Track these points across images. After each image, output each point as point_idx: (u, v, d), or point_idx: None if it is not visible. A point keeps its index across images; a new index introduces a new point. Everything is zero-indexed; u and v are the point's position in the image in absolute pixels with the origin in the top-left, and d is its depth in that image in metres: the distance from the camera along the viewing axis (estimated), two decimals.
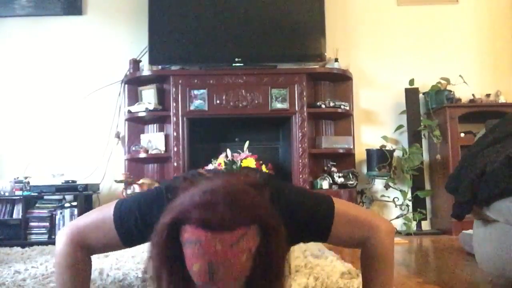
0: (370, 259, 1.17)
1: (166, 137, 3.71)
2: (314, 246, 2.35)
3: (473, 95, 3.89)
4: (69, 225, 1.20)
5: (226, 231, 0.86)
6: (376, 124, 4.05)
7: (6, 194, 3.52)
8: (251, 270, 0.92)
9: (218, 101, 3.63)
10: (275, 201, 1.04)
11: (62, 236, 1.17)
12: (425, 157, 3.91)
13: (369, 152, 3.80)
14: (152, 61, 3.80)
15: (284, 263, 0.98)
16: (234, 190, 0.93)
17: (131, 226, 1.12)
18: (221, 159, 3.52)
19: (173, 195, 1.02)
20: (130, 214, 1.14)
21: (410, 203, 3.77)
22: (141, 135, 3.83)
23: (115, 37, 4.07)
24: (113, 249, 1.25)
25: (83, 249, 1.17)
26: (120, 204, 1.19)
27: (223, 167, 3.45)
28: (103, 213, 1.19)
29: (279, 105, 3.67)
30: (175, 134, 3.62)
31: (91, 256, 1.22)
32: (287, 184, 1.29)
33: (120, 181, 3.56)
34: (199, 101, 3.64)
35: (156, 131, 3.82)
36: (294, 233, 1.04)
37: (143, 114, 3.69)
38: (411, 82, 3.91)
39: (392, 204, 3.80)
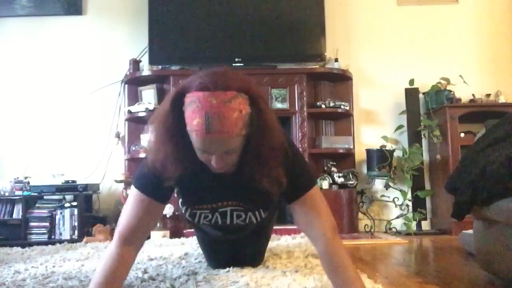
0: (329, 259, 1.25)
1: None
2: (314, 247, 2.35)
3: (473, 95, 3.88)
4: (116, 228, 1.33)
5: (220, 91, 1.05)
6: (376, 124, 4.05)
7: (6, 194, 3.52)
8: (246, 136, 1.10)
9: None
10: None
11: (113, 238, 1.30)
12: (425, 157, 3.91)
13: (369, 152, 3.80)
14: (152, 61, 3.80)
15: (278, 136, 1.15)
16: (229, 70, 1.13)
17: (153, 181, 1.23)
18: None
19: None
20: (145, 173, 1.26)
21: (410, 203, 3.77)
22: (141, 135, 3.83)
23: (115, 37, 4.07)
24: (158, 215, 1.40)
25: (128, 244, 1.28)
26: (134, 179, 1.33)
27: None
28: (130, 198, 1.33)
29: (279, 105, 3.67)
30: None
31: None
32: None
33: (120, 181, 3.56)
34: None
35: None
36: None
37: (143, 114, 3.69)
38: (411, 82, 3.91)
39: (392, 204, 3.80)
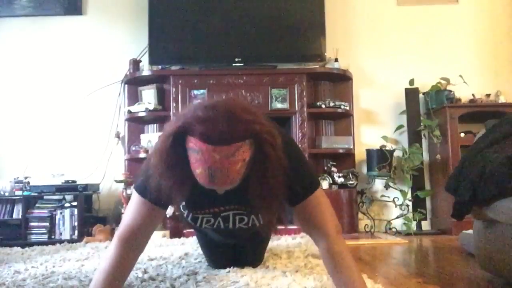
0: (332, 259, 1.24)
1: None
2: (314, 247, 2.35)
3: (473, 95, 3.89)
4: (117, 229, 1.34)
5: (223, 145, 1.01)
6: (376, 124, 4.05)
7: (6, 194, 3.52)
8: (249, 174, 1.09)
9: None
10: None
11: (113, 239, 1.31)
12: (425, 157, 3.90)
13: (369, 152, 3.80)
14: (152, 61, 3.81)
15: (280, 171, 1.12)
16: (233, 107, 1.07)
17: (153, 187, 1.20)
18: None
19: None
20: (146, 179, 1.24)
21: (410, 203, 3.76)
22: (141, 135, 3.83)
23: (115, 37, 4.07)
24: (158, 220, 1.40)
25: (127, 246, 1.28)
26: (136, 184, 1.33)
27: None
28: (132, 202, 1.33)
29: (279, 105, 3.67)
30: None
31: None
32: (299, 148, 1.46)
33: (120, 181, 3.56)
34: (199, 101, 3.63)
35: (156, 131, 3.82)
36: None
37: (143, 114, 3.69)
38: (411, 82, 3.91)
39: (392, 204, 3.80)
